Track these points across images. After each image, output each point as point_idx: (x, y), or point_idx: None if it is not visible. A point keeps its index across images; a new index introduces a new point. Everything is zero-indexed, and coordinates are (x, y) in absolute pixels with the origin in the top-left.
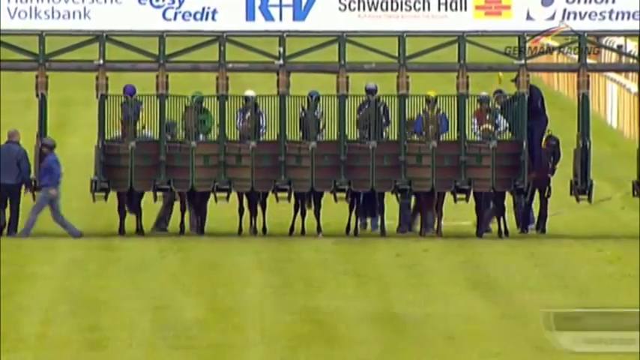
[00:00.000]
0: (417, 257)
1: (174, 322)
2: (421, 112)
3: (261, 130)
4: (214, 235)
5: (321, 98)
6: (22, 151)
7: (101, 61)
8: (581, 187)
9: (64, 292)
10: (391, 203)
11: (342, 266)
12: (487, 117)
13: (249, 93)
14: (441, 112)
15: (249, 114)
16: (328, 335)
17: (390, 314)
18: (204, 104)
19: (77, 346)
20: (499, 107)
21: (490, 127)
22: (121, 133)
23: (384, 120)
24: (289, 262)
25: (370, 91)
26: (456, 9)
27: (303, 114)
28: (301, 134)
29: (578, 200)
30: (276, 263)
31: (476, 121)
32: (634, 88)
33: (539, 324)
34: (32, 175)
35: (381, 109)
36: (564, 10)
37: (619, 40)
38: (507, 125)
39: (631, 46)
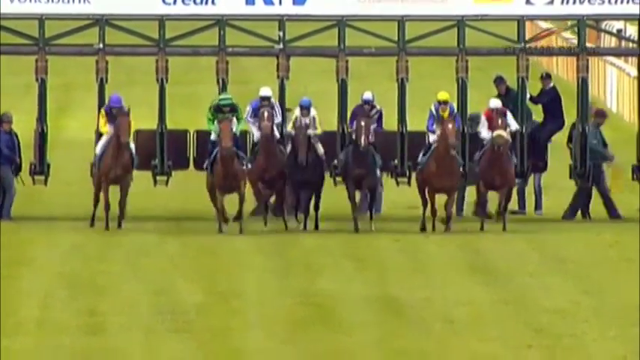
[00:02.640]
0: (417, 242)
1: (173, 306)
2: (432, 109)
3: (276, 122)
4: (213, 220)
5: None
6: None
7: (101, 45)
8: (580, 171)
9: (63, 277)
10: (389, 185)
11: (342, 251)
12: (499, 121)
13: (266, 92)
14: (454, 111)
15: (266, 112)
16: (328, 319)
17: (390, 298)
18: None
19: (76, 331)
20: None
21: (504, 134)
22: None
23: (375, 125)
24: (288, 246)
25: (367, 102)
26: None
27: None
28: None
29: (577, 184)
30: (275, 247)
31: (485, 121)
32: (633, 72)
33: (537, 305)
34: (32, 159)
35: (376, 116)
36: None
37: (618, 24)
38: (518, 127)
39: (630, 30)
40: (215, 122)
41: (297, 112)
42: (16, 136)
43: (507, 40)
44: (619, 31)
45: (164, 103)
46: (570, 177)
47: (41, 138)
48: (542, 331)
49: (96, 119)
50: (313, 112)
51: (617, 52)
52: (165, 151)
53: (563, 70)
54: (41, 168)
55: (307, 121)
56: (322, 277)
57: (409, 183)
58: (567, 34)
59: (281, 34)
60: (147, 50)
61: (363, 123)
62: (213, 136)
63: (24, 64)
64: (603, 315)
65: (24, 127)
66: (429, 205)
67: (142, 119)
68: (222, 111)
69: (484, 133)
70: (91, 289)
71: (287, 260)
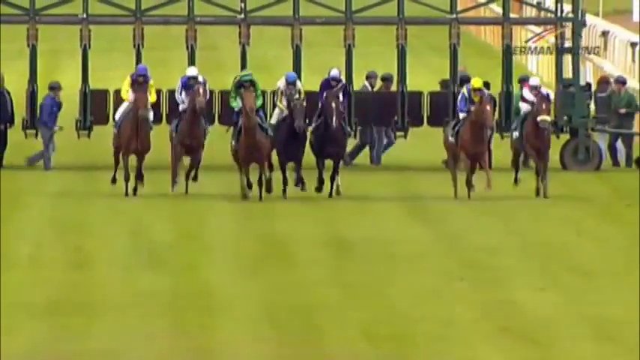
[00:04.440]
0: (365, 188)
1: (148, 244)
2: (464, 91)
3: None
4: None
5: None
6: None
7: (85, 16)
8: (505, 126)
9: (51, 218)
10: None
11: (296, 194)
12: (543, 106)
13: (193, 72)
14: (487, 94)
15: (201, 88)
16: (283, 256)
17: (338, 237)
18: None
19: (63, 266)
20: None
21: (548, 118)
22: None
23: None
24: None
25: (334, 78)
26: None
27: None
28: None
29: (502, 137)
30: (237, 196)
31: (528, 91)
32: (552, 39)
33: (467, 242)
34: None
35: (342, 89)
36: None
37: None
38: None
39: (549, 2)
40: (237, 98)
41: (281, 84)
42: (9, 94)
43: (441, 10)
44: (539, 3)
45: None
46: (496, 131)
47: (32, 97)
48: (473, 266)
49: (80, 80)
50: (299, 85)
51: (537, 22)
52: None
53: (490, 38)
54: (32, 123)
55: (295, 92)
56: (279, 219)
57: (355, 136)
58: (495, 6)
59: (243, 5)
60: (125, 20)
61: (334, 105)
62: (237, 110)
63: (17, 32)
64: (526, 252)
65: (17, 88)
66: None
67: (122, 80)
68: (243, 86)
69: (524, 105)
70: (77, 230)
71: (248, 205)
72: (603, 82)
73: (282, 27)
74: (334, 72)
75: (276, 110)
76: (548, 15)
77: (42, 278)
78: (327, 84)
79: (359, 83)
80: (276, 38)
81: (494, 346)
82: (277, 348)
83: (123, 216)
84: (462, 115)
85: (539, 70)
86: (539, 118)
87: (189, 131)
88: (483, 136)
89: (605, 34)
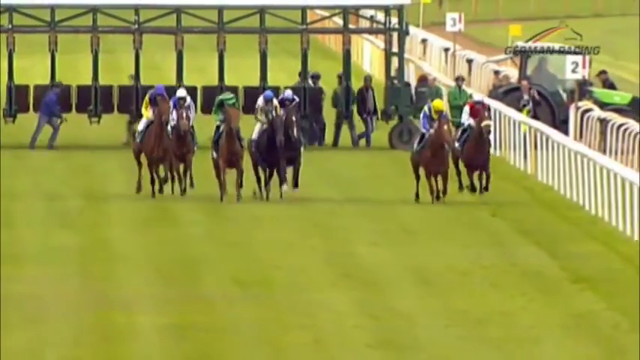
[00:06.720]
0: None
1: (62, 208)
2: (425, 110)
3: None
4: (91, 149)
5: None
6: None
7: (10, 26)
8: (345, 113)
9: None
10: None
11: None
12: (486, 114)
13: (182, 93)
14: (444, 114)
15: (184, 112)
16: (169, 216)
17: (213, 201)
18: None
19: None
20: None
21: (491, 123)
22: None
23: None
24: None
25: (287, 99)
26: None
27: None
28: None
29: (343, 122)
30: (133, 170)
31: (468, 110)
32: (382, 45)
33: (317, 207)
34: None
35: (295, 106)
36: None
37: (371, 12)
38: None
39: (380, 15)
40: (219, 112)
41: (260, 102)
42: None
43: (294, 22)
44: (372, 16)
45: (54, 67)
46: (339, 118)
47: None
48: (319, 225)
49: (6, 78)
50: (275, 102)
51: (371, 31)
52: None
53: (334, 44)
54: None
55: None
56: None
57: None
58: (337, 19)
59: (137, 17)
60: (42, 29)
61: (294, 118)
62: (217, 123)
63: None
64: (366, 214)
65: None
66: (423, 183)
67: (39, 77)
68: (224, 105)
69: (466, 120)
70: (4, 199)
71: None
72: (422, 79)
73: (167, 35)
74: (287, 93)
75: (257, 125)
76: (380, 26)
77: None
78: (282, 104)
79: (231, 81)
80: (163, 44)
81: (337, 289)
82: (163, 290)
83: (43, 187)
84: (424, 132)
85: (372, 69)
86: (483, 124)
87: (178, 147)
88: (444, 155)
89: (424, 41)
